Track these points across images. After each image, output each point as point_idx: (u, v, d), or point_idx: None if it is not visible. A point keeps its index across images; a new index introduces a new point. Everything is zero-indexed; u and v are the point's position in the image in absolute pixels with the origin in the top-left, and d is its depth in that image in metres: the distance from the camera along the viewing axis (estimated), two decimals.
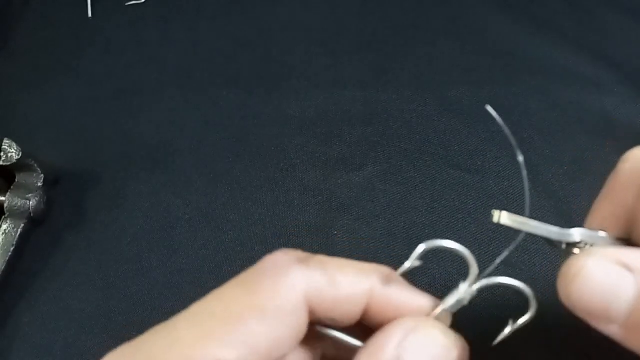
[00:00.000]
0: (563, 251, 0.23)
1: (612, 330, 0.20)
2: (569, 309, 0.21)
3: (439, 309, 0.24)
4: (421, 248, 0.24)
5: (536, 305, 0.24)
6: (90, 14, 0.56)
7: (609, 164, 0.27)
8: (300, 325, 0.22)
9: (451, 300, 0.24)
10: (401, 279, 0.24)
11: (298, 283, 0.22)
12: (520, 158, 0.24)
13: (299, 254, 0.23)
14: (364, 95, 0.48)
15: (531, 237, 0.40)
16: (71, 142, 0.48)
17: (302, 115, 0.48)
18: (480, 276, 0.24)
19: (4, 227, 0.41)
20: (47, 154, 0.45)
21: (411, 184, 0.44)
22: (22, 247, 0.42)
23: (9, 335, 0.39)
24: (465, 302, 0.24)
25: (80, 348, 0.38)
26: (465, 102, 0.47)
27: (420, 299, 0.23)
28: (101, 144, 0.48)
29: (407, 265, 0.24)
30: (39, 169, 0.43)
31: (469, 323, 0.24)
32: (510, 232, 0.24)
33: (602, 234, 0.24)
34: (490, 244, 0.40)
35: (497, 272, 0.39)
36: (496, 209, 0.23)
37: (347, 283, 0.23)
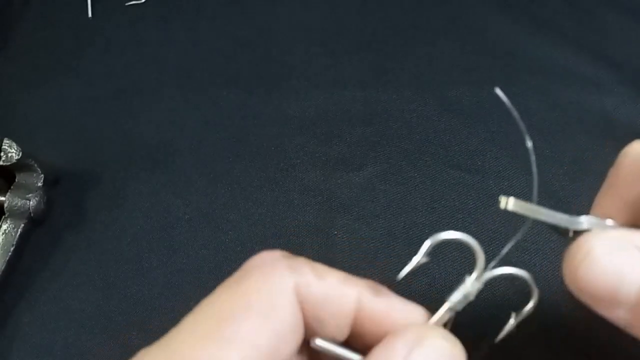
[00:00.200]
0: (570, 239, 0.23)
1: (619, 314, 0.20)
2: (573, 292, 0.21)
3: (445, 308, 0.23)
4: (427, 244, 0.23)
5: (538, 293, 0.23)
6: (90, 14, 0.56)
7: (609, 164, 0.27)
8: (295, 322, 0.21)
9: (457, 296, 0.23)
10: (389, 291, 0.23)
11: (287, 278, 0.21)
12: (529, 143, 0.23)
13: (283, 252, 0.23)
14: (364, 95, 0.48)
15: (531, 237, 0.40)
16: (71, 142, 0.48)
17: (302, 115, 0.48)
18: (487, 266, 0.23)
19: (4, 227, 0.41)
20: (47, 154, 0.45)
21: (411, 184, 0.44)
22: (22, 247, 0.42)
23: (9, 335, 0.39)
24: (472, 297, 0.23)
25: (80, 348, 0.38)
26: (465, 102, 0.47)
27: (413, 310, 0.23)
28: (101, 144, 0.48)
29: (416, 260, 0.23)
30: (39, 169, 0.43)
31: (468, 321, 0.24)
32: (510, 231, 0.23)
33: (609, 221, 0.23)
34: (490, 244, 0.40)
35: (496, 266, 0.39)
36: (496, 209, 0.23)
37: (335, 281, 0.22)
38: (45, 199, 0.43)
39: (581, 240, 0.21)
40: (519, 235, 0.23)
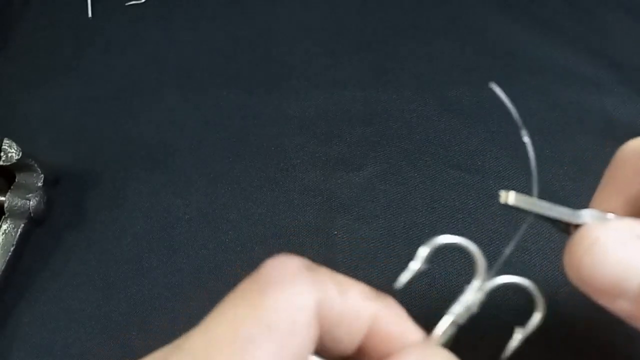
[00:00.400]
0: (571, 234, 0.22)
1: (622, 306, 0.20)
2: (575, 283, 0.20)
3: (446, 322, 0.21)
4: (425, 250, 0.22)
5: (544, 307, 0.22)
6: (90, 14, 0.56)
7: (609, 163, 0.27)
8: (313, 340, 0.20)
9: (458, 308, 0.22)
10: (405, 313, 0.22)
11: (308, 294, 0.20)
12: (526, 139, 0.23)
13: (305, 261, 0.21)
14: (364, 95, 0.48)
15: (532, 237, 0.40)
16: (71, 142, 0.48)
17: (302, 115, 0.48)
18: (492, 269, 0.22)
19: (4, 227, 0.41)
20: (47, 154, 0.45)
21: (411, 184, 0.44)
22: (22, 247, 0.42)
23: (9, 335, 0.39)
24: (475, 310, 0.22)
25: (80, 348, 0.38)
26: (465, 102, 0.47)
27: (416, 335, 0.21)
28: (101, 144, 0.48)
29: (414, 267, 0.22)
30: (39, 169, 0.43)
31: (469, 335, 0.23)
32: (511, 231, 0.23)
33: (610, 215, 0.23)
34: (490, 244, 0.40)
35: (497, 273, 0.39)
36: (496, 209, 0.23)
37: (357, 297, 0.21)
38: (45, 199, 0.43)
39: (585, 230, 0.20)
40: (519, 235, 0.22)
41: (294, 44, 0.52)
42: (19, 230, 0.41)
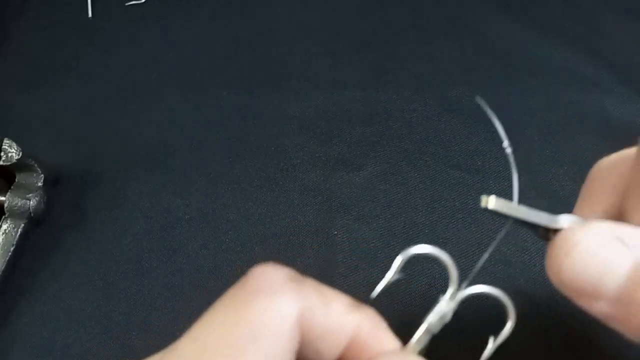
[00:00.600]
0: (550, 240, 0.23)
1: (600, 307, 0.20)
2: (555, 285, 0.21)
3: (421, 330, 0.22)
4: (399, 260, 0.23)
5: (515, 316, 0.23)
6: (90, 14, 0.56)
7: None
8: (295, 349, 0.20)
9: (433, 317, 0.23)
10: (386, 326, 0.22)
11: (292, 305, 0.20)
12: (508, 149, 0.23)
13: (290, 271, 0.22)
14: (364, 95, 0.48)
15: (532, 238, 0.40)
16: (71, 142, 0.48)
17: (302, 115, 0.48)
18: (464, 282, 0.23)
19: (4, 227, 0.41)
20: (47, 154, 0.45)
21: (411, 184, 0.44)
22: (22, 247, 0.42)
23: (9, 335, 0.39)
24: (448, 318, 0.23)
25: (80, 348, 0.38)
26: (465, 102, 0.47)
27: (394, 345, 0.22)
28: (101, 144, 0.48)
29: (388, 277, 0.23)
30: (39, 169, 0.43)
31: (445, 344, 0.24)
32: (510, 231, 0.23)
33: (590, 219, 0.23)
34: (490, 244, 0.40)
35: (496, 273, 0.39)
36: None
37: (340, 309, 0.21)
38: (45, 199, 0.43)
39: (566, 233, 0.21)
40: (493, 245, 0.23)
41: (294, 44, 0.52)
42: (19, 230, 0.41)
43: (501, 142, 0.46)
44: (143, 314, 0.39)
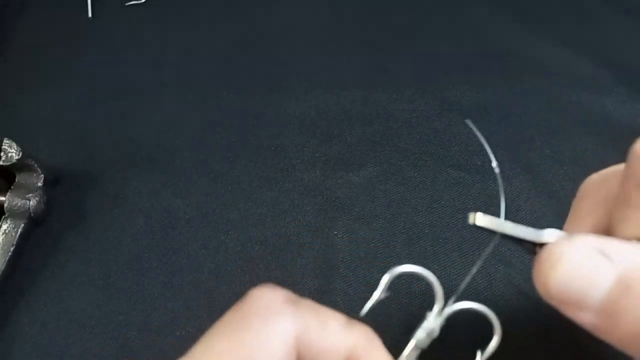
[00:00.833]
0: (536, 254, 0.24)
1: (585, 318, 0.21)
2: (544, 298, 0.21)
3: (410, 346, 0.23)
4: (385, 278, 0.24)
5: (501, 330, 0.24)
6: (90, 14, 0.56)
7: (609, 164, 0.27)
8: None
9: (421, 333, 0.24)
10: (381, 344, 0.23)
11: (289, 327, 0.21)
12: (496, 168, 0.24)
13: (287, 293, 0.22)
14: (364, 95, 0.48)
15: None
16: (71, 142, 0.48)
17: (302, 115, 0.48)
18: (452, 297, 0.24)
19: (4, 227, 0.41)
20: (47, 154, 0.45)
21: (411, 184, 0.44)
22: (22, 247, 0.42)
23: (9, 335, 0.39)
24: (436, 334, 0.24)
25: (80, 348, 0.38)
26: (465, 102, 0.47)
27: None
28: (101, 144, 0.48)
29: (376, 296, 0.24)
30: (39, 169, 0.43)
31: (438, 352, 0.24)
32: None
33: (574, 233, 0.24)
34: (489, 244, 0.40)
35: (496, 273, 0.39)
36: (496, 209, 0.23)
37: (336, 329, 0.22)
38: (45, 199, 0.43)
39: (552, 247, 0.21)
40: (480, 261, 0.24)
41: (294, 44, 0.52)
42: (19, 230, 0.41)
43: (502, 141, 0.46)
44: (143, 314, 0.39)
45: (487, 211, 0.23)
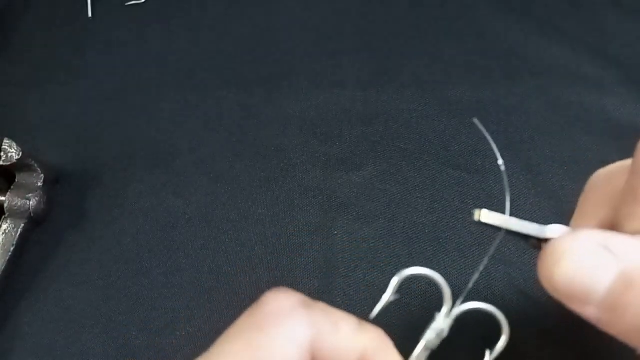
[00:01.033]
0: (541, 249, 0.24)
1: (590, 311, 0.21)
2: (548, 291, 0.22)
3: (420, 347, 0.24)
4: (395, 281, 0.24)
5: (509, 330, 0.24)
6: (90, 14, 0.56)
7: (609, 164, 0.27)
8: None
9: (430, 334, 0.24)
10: (393, 346, 0.23)
11: (303, 330, 0.21)
12: (502, 166, 0.25)
13: (301, 297, 0.23)
14: (364, 95, 0.48)
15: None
16: (71, 142, 0.48)
17: (302, 115, 0.48)
18: (459, 298, 0.24)
19: (4, 227, 0.41)
20: (47, 154, 0.45)
21: (411, 184, 0.44)
22: (22, 247, 0.42)
23: (9, 335, 0.39)
24: (445, 334, 0.24)
25: (80, 348, 0.38)
26: (465, 102, 0.47)
27: None
28: (101, 144, 0.48)
29: (385, 299, 0.24)
30: (39, 169, 0.43)
31: (447, 352, 0.24)
32: (510, 232, 0.24)
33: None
34: (490, 244, 0.40)
35: (496, 273, 0.39)
36: (496, 209, 0.23)
37: (349, 332, 0.22)
38: (45, 199, 0.43)
39: (556, 242, 0.22)
40: (485, 261, 0.25)
41: (294, 44, 0.52)
42: (19, 230, 0.41)
43: (503, 141, 0.46)
44: (143, 314, 0.39)
45: (480, 223, 0.23)
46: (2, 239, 0.41)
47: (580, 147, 0.44)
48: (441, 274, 0.39)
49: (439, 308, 0.25)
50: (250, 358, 0.20)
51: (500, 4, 0.54)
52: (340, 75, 0.50)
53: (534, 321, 0.37)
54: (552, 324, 0.36)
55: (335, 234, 0.41)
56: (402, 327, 0.37)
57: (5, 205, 0.41)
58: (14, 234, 0.41)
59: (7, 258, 0.40)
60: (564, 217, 0.41)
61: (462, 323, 0.25)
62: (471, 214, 0.24)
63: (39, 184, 0.43)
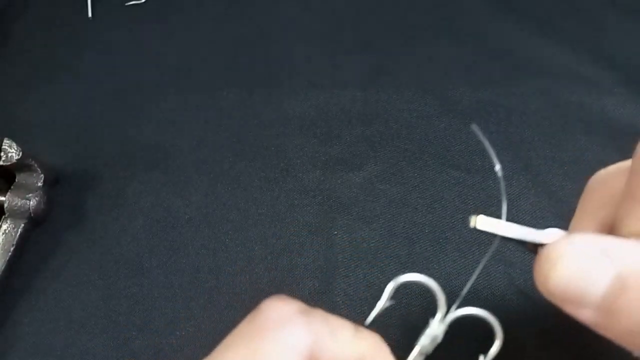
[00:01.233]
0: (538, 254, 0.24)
1: (586, 315, 0.21)
2: (546, 296, 0.22)
3: (415, 353, 0.24)
4: (390, 287, 0.25)
5: (502, 335, 0.24)
6: (90, 14, 0.56)
7: (609, 164, 0.27)
8: None
9: (425, 340, 0.24)
10: (390, 353, 0.24)
11: (302, 338, 0.21)
12: (499, 172, 0.25)
13: (299, 304, 0.23)
14: (364, 95, 0.48)
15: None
16: (71, 142, 0.48)
17: (302, 115, 0.48)
18: (454, 303, 0.24)
19: (4, 227, 0.41)
20: (47, 154, 0.45)
21: (411, 184, 0.44)
22: (22, 247, 0.42)
23: (9, 335, 0.39)
24: (440, 339, 0.24)
25: (80, 348, 0.38)
26: (465, 102, 0.47)
27: None
28: (101, 144, 0.48)
29: (380, 305, 0.25)
30: (39, 169, 0.43)
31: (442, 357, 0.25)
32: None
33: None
34: (490, 244, 0.40)
35: (496, 273, 0.39)
36: (496, 209, 0.23)
37: (347, 339, 0.23)
38: (45, 199, 0.43)
39: (552, 246, 0.22)
40: (480, 266, 0.25)
41: (294, 44, 0.52)
42: (19, 230, 0.41)
43: (503, 141, 0.46)
44: (143, 314, 0.39)
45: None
46: (2, 239, 0.41)
47: (580, 148, 0.44)
48: (441, 274, 0.39)
49: (435, 312, 0.25)
50: None
51: (500, 4, 0.54)
52: (340, 75, 0.50)
53: (533, 321, 0.37)
54: (551, 324, 0.36)
55: (335, 234, 0.41)
56: (400, 330, 0.37)
57: (5, 205, 0.41)
58: (13, 234, 0.41)
59: (7, 258, 0.40)
60: (564, 217, 0.41)
61: (457, 327, 0.25)
62: (471, 215, 0.24)
63: (39, 184, 0.43)
